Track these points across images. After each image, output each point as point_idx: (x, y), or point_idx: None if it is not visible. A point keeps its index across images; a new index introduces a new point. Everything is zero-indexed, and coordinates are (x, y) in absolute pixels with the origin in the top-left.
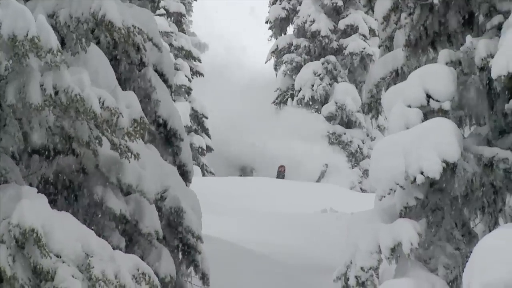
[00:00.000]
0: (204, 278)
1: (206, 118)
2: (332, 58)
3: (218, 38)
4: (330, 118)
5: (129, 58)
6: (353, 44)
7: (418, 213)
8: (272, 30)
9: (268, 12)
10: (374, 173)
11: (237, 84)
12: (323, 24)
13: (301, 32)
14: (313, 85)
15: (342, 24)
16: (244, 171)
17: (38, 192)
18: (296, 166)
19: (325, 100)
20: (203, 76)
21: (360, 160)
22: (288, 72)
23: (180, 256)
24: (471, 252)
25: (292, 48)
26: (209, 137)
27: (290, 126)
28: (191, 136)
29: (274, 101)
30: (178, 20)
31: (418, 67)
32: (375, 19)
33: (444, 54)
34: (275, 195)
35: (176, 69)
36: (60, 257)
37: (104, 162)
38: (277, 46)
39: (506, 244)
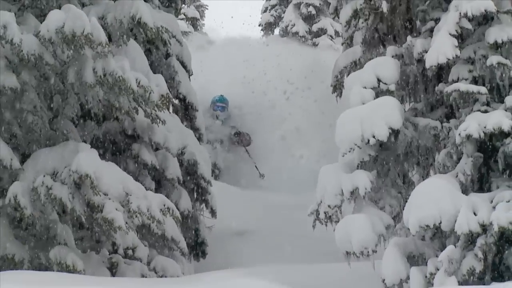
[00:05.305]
0: (212, 212)
1: None
2: None
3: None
4: None
5: (158, 50)
6: (323, 42)
7: (370, 166)
8: (263, 31)
9: (260, 18)
10: (338, 136)
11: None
12: (300, 27)
13: (284, 33)
14: None
15: (315, 27)
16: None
17: (91, 148)
18: None
19: None
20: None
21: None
22: None
23: (195, 196)
24: (409, 195)
25: None
26: None
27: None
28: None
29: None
30: (194, 23)
31: (371, 59)
32: (340, 23)
33: (391, 49)
34: None
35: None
36: (107, 195)
37: (140, 126)
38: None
39: (435, 190)
